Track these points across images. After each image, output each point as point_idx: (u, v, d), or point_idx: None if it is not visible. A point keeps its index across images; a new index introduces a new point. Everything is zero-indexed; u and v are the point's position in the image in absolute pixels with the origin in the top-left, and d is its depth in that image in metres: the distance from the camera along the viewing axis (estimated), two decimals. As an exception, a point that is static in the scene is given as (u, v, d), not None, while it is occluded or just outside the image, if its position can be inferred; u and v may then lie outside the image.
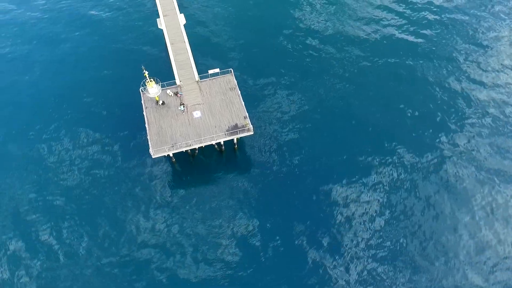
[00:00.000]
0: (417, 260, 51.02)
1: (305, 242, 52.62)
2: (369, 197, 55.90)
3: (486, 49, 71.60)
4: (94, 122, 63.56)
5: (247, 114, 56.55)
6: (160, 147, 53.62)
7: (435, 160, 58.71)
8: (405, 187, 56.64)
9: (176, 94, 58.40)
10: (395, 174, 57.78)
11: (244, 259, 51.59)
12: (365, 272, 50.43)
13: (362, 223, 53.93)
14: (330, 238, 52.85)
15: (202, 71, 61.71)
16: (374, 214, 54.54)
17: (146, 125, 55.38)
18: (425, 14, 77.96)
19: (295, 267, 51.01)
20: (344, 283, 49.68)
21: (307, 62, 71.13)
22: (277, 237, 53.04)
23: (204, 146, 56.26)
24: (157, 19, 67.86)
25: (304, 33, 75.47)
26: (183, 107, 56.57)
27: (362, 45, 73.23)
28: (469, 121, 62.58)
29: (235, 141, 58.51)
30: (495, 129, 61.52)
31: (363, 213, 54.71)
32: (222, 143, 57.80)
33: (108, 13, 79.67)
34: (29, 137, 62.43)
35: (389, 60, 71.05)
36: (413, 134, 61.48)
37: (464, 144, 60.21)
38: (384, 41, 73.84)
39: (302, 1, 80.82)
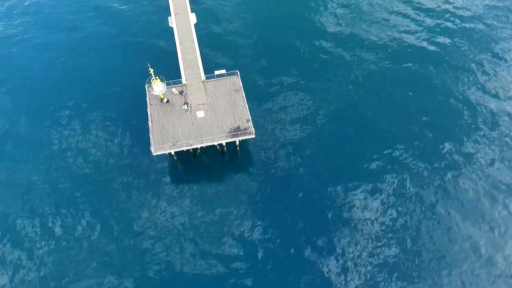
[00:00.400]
0: (418, 271, 50.08)
1: (304, 246, 52.29)
2: (372, 204, 55.16)
3: (502, 60, 69.91)
4: (105, 110, 64.78)
5: (250, 117, 56.47)
6: (162, 145, 54.04)
7: (443, 171, 57.59)
8: (409, 196, 55.66)
9: (181, 93, 58.73)
10: (400, 182, 56.90)
11: (239, 260, 51.48)
12: (363, 280, 49.77)
13: (363, 229, 53.24)
14: (330, 243, 52.38)
15: (211, 69, 61.95)
16: (377, 222, 53.79)
17: (149, 122, 55.89)
18: (441, 22, 76.67)
19: (293, 270, 50.75)
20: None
21: (318, 64, 70.65)
22: (274, 239, 52.91)
23: (206, 146, 56.54)
24: (169, 17, 68.35)
25: (317, 35, 75.01)
26: (187, 106, 56.85)
27: (374, 50, 72.43)
28: (480, 132, 61.20)
29: (237, 143, 58.52)
30: (506, 142, 59.88)
31: (366, 219, 54.04)
32: (224, 144, 57.91)
33: (125, 6, 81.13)
34: (43, 122, 64.02)
35: (401, 66, 70.06)
36: (422, 143, 60.44)
37: (473, 156, 58.88)
38: (397, 47, 72.87)
39: (317, 4, 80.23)
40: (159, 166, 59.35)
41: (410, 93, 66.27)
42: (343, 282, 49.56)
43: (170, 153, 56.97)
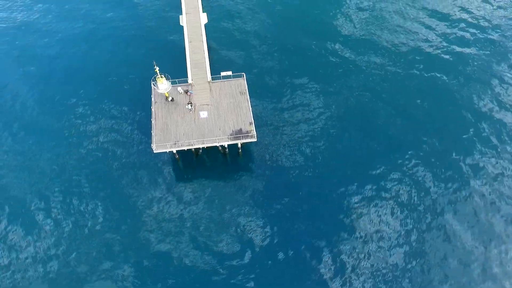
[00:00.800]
0: (419, 283, 49.49)
1: (303, 251, 52.17)
2: (375, 211, 54.71)
3: (523, 74, 68.01)
4: (114, 102, 65.57)
5: (253, 120, 56.18)
6: (163, 143, 54.08)
7: (450, 182, 56.69)
8: (414, 205, 54.94)
9: (186, 92, 58.73)
10: (405, 191, 56.25)
11: (236, 259, 51.66)
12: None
13: (363, 236, 52.87)
14: (330, 248, 52.17)
15: (220, 68, 62.08)
16: (379, 229, 53.39)
17: (152, 120, 56.01)
18: (457, 31, 75.14)
19: (290, 272, 50.64)
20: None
21: (329, 68, 69.98)
22: (273, 242, 52.93)
23: (208, 147, 56.44)
24: (180, 16, 68.50)
25: (332, 38, 74.31)
26: (191, 106, 56.81)
27: (387, 56, 71.47)
28: (497, 148, 59.72)
29: (239, 145, 58.27)
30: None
31: (368, 226, 53.60)
32: (226, 146, 57.72)
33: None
34: (54, 110, 65.37)
35: (414, 73, 68.96)
36: (430, 152, 59.55)
37: (483, 169, 57.74)
38: (411, 55, 71.64)
39: (333, 8, 79.50)
40: (161, 162, 59.51)
41: (421, 102, 65.20)
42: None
43: (172, 151, 56.98)
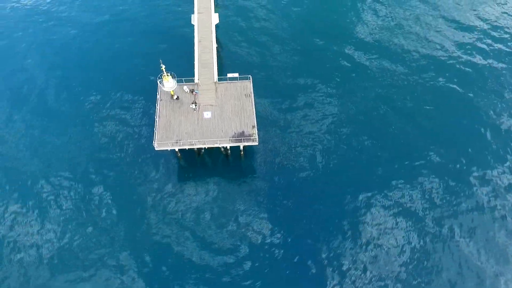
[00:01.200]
0: None
1: (301, 257, 52.16)
2: (378, 218, 54.52)
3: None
4: (128, 92, 66.59)
5: (255, 124, 56.07)
6: (165, 141, 54.48)
7: (462, 198, 55.89)
8: (424, 218, 54.32)
9: (192, 91, 58.98)
10: (413, 202, 55.65)
11: (233, 260, 52.01)
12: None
13: (365, 245, 52.67)
14: (331, 254, 52.13)
15: (228, 67, 62.52)
16: (382, 237, 53.18)
17: (156, 117, 56.45)
18: (477, 42, 73.49)
19: (287, 276, 50.74)
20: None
21: (343, 73, 69.25)
22: (271, 243, 53.14)
23: (209, 147, 56.62)
24: (192, 15, 68.77)
25: (347, 43, 73.54)
26: (195, 105, 57.02)
27: (404, 64, 70.39)
28: (508, 162, 58.61)
29: (241, 147, 58.27)
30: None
31: (371, 234, 53.43)
32: (228, 147, 57.80)
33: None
34: (69, 96, 67.07)
35: (428, 82, 67.81)
36: (441, 163, 58.79)
37: (496, 185, 56.78)
38: (427, 63, 70.42)
39: (351, 12, 78.61)
40: (163, 159, 59.96)
41: (433, 111, 64.24)
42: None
43: (174, 149, 57.37)
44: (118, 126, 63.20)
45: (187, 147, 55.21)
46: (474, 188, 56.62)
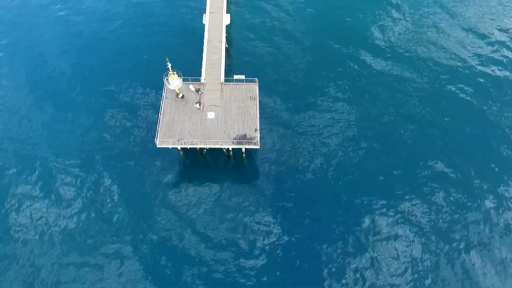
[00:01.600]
0: None
1: (301, 261, 52.02)
2: (382, 227, 53.99)
3: None
4: (143, 85, 67.06)
5: (258, 127, 55.80)
6: (166, 139, 54.71)
7: (472, 212, 54.91)
8: (430, 231, 53.58)
9: (197, 90, 59.03)
10: (420, 213, 54.87)
11: (232, 261, 52.22)
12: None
13: (364, 256, 52.09)
14: (332, 261, 51.89)
15: (237, 67, 62.64)
16: (386, 246, 52.73)
17: (160, 115, 56.71)
18: (498, 54, 71.23)
19: (289, 276, 50.84)
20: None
21: (355, 78, 67.98)
22: (269, 244, 53.28)
23: (212, 147, 56.64)
24: (204, 14, 68.80)
25: (363, 48, 72.09)
26: (199, 105, 57.07)
27: (420, 73, 68.74)
28: None
29: (244, 150, 58.07)
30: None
31: (376, 243, 52.93)
32: (230, 149, 57.68)
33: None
34: (89, 86, 68.00)
35: (446, 93, 66.06)
36: (455, 178, 57.68)
37: (506, 199, 55.53)
38: (446, 74, 68.63)
39: (370, 17, 77.21)
40: (166, 156, 60.20)
41: (448, 122, 62.98)
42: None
43: (177, 147, 57.59)
44: (127, 118, 63.69)
45: (188, 146, 55.33)
46: (481, 202, 55.46)
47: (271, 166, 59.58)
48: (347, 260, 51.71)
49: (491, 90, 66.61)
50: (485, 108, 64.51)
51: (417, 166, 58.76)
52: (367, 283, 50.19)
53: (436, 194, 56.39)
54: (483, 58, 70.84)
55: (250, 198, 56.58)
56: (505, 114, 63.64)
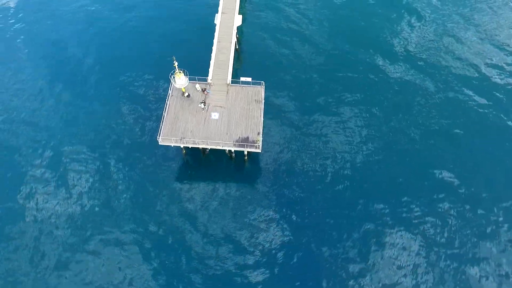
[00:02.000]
0: None
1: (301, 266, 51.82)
2: (385, 237, 53.41)
3: None
4: (156, 79, 67.80)
5: (261, 131, 55.51)
6: (169, 137, 54.79)
7: (484, 230, 53.81)
8: (437, 246, 52.76)
9: (203, 90, 58.99)
10: (429, 225, 54.18)
11: (231, 262, 52.25)
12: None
13: (368, 265, 51.52)
14: (332, 268, 51.50)
15: (244, 70, 62.74)
16: (389, 255, 52.23)
17: (164, 112, 56.82)
18: None
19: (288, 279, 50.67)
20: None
21: (369, 86, 67.06)
22: (268, 245, 53.17)
23: (214, 148, 56.60)
24: (216, 14, 68.72)
25: (379, 56, 71.13)
26: (204, 105, 57.02)
27: (438, 84, 67.31)
28: None
29: (246, 153, 57.87)
30: None
31: (378, 253, 52.42)
32: (232, 150, 57.55)
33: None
34: (100, 77, 69.14)
35: (465, 106, 64.75)
36: (467, 194, 56.65)
37: None
38: (466, 86, 67.15)
39: (388, 24, 76.14)
40: (169, 154, 60.43)
41: (464, 136, 61.86)
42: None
43: (179, 146, 57.66)
44: (138, 110, 64.40)
45: (190, 146, 55.31)
46: (488, 214, 54.53)
47: (273, 168, 59.26)
48: (347, 265, 51.34)
49: (505, 101, 65.14)
50: (498, 120, 63.11)
51: (424, 175, 57.88)
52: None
53: (442, 204, 55.50)
54: (498, 69, 69.33)
55: (251, 199, 56.44)
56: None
